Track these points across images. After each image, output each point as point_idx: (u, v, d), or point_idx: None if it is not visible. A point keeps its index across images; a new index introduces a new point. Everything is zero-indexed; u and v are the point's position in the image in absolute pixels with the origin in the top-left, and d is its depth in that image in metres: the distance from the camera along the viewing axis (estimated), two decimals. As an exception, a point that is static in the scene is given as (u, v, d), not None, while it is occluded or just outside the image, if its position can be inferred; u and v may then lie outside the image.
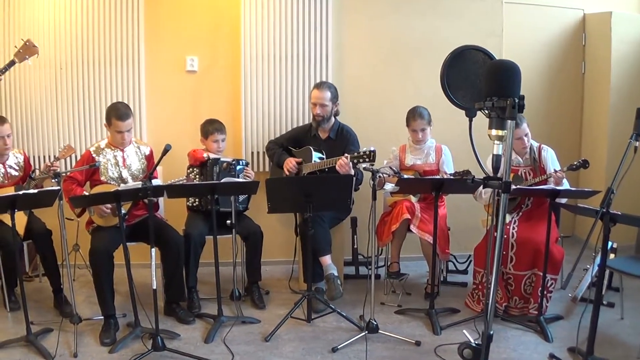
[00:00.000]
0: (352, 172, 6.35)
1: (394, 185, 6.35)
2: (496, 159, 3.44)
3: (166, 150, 5.77)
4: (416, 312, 6.54)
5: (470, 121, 3.60)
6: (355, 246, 7.69)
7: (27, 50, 6.75)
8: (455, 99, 3.70)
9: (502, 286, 6.35)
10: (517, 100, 3.22)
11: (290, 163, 7.03)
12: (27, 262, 7.72)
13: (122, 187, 6.40)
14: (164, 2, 7.83)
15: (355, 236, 7.70)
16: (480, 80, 3.55)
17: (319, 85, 7.07)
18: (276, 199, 6.00)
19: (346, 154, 6.38)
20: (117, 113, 6.53)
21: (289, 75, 7.78)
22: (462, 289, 7.30)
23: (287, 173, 7.04)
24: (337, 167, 6.40)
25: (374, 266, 6.06)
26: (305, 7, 7.65)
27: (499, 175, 3.47)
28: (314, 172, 6.83)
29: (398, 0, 7.89)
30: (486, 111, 3.35)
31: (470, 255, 7.37)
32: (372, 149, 6.16)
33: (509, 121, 3.30)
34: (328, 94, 7.00)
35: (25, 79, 7.81)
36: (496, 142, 3.39)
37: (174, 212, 7.35)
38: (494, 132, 3.35)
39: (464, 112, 3.68)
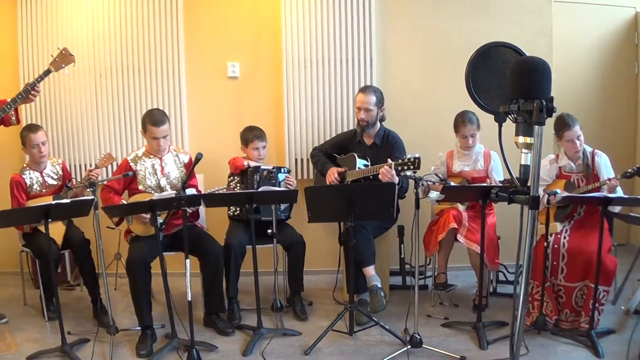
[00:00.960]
0: (396, 180, 6.13)
1: (439, 193, 6.13)
2: (524, 170, 3.15)
3: (197, 159, 5.69)
4: (463, 325, 6.30)
5: (500, 126, 3.31)
6: (403, 256, 7.46)
7: (64, 59, 6.71)
8: (482, 101, 3.44)
9: (552, 298, 6.08)
10: (544, 103, 2.93)
11: (332, 175, 6.86)
12: (68, 270, 7.75)
13: (156, 196, 6.30)
14: (203, 9, 7.80)
15: (402, 245, 7.48)
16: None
17: (364, 89, 6.89)
18: (316, 207, 5.82)
19: (389, 162, 6.16)
20: (152, 119, 6.48)
21: (332, 80, 7.65)
22: (512, 300, 6.98)
23: (331, 184, 6.84)
24: (379, 176, 6.19)
25: (417, 278, 5.87)
26: (347, 10, 7.53)
27: (525, 187, 3.19)
28: (359, 180, 6.62)
29: (442, 1, 7.71)
30: (513, 116, 3.08)
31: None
32: (416, 155, 5.94)
33: (537, 127, 3.01)
34: (373, 98, 6.80)
35: (66, 87, 7.85)
36: (524, 150, 3.10)
37: (216, 221, 7.28)
38: (521, 139, 3.07)
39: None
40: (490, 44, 3.55)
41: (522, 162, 3.15)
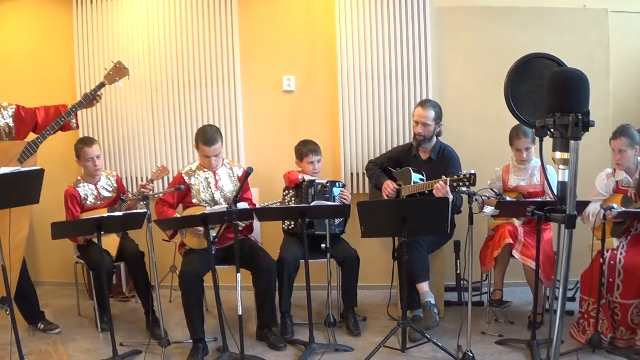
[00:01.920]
0: (450, 196, 6.15)
1: (493, 208, 6.12)
2: (561, 187, 3.13)
3: (248, 173, 5.82)
4: (517, 342, 6.23)
5: (541, 141, 3.30)
6: (458, 271, 7.44)
7: (117, 72, 6.84)
8: (523, 115, 3.43)
9: (607, 316, 6.00)
10: (580, 116, 2.91)
11: (388, 187, 6.87)
12: (124, 282, 7.86)
13: (208, 210, 6.39)
14: (259, 23, 7.90)
15: (458, 261, 7.44)
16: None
17: (423, 103, 6.87)
18: (370, 222, 5.81)
19: (443, 177, 6.17)
20: (204, 137, 6.61)
21: (387, 94, 7.64)
22: (567, 317, 6.84)
23: (386, 197, 6.85)
24: (434, 191, 6.20)
25: (470, 294, 5.85)
26: (402, 23, 7.52)
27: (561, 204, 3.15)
28: (414, 195, 6.62)
29: (498, 14, 7.67)
30: (550, 130, 3.07)
31: (577, 282, 7.03)
32: (472, 172, 5.93)
33: (573, 142, 2.99)
34: (432, 113, 6.78)
35: (121, 100, 8.05)
36: (561, 166, 3.09)
37: (270, 235, 7.33)
38: (557, 154, 3.05)
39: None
40: (530, 55, 3.55)
41: (559, 179, 3.14)
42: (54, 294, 8.24)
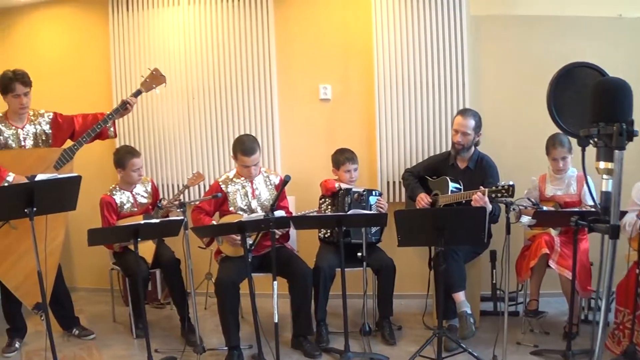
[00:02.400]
0: (489, 207, 6.17)
1: (530, 218, 6.12)
2: (605, 197, 3.12)
3: (285, 181, 5.85)
4: (552, 353, 6.21)
5: (583, 150, 3.29)
6: (494, 281, 7.39)
7: (154, 79, 6.92)
8: (565, 124, 3.43)
9: (645, 327, 6.01)
10: (624, 126, 2.91)
11: (422, 201, 6.89)
12: (159, 289, 7.92)
13: (245, 217, 6.44)
14: (295, 31, 7.95)
15: (494, 271, 7.39)
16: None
17: (463, 112, 6.89)
18: (406, 231, 5.76)
19: (481, 188, 6.19)
20: (243, 147, 6.65)
21: (424, 102, 7.64)
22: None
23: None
24: (472, 202, 6.21)
25: (506, 304, 5.87)
26: (439, 32, 7.53)
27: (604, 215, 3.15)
28: (451, 204, 6.63)
29: (534, 22, 7.63)
30: (593, 140, 3.07)
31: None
32: (510, 183, 5.94)
33: (617, 152, 2.99)
34: (472, 122, 6.78)
35: (158, 107, 8.13)
36: (604, 176, 3.07)
37: (306, 243, 7.37)
38: (601, 164, 3.04)
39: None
40: (572, 65, 3.55)
41: (603, 189, 3.13)
42: (89, 300, 8.33)
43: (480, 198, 6.11)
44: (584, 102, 3.31)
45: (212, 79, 7.97)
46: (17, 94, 6.40)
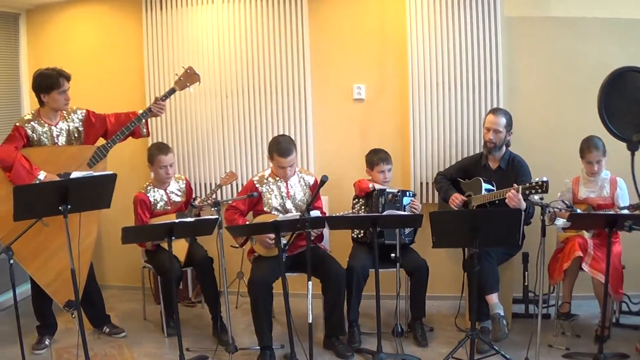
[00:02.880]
0: (523, 205, 6.17)
1: (565, 220, 6.12)
2: None
3: (323, 181, 5.87)
4: (584, 356, 6.21)
5: (632, 155, 3.28)
6: (526, 283, 7.37)
7: (189, 78, 6.94)
8: (615, 129, 3.42)
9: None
10: None
11: (456, 200, 6.91)
12: (190, 288, 7.94)
13: (281, 217, 6.46)
14: (329, 30, 7.94)
15: (526, 273, 7.37)
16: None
17: (495, 111, 6.92)
18: (441, 232, 5.76)
19: (515, 186, 6.21)
20: (279, 148, 6.67)
21: (458, 103, 7.62)
22: (634, 332, 6.87)
23: (454, 208, 6.88)
24: (506, 200, 6.23)
25: (540, 307, 5.88)
26: (473, 32, 7.51)
27: None
28: (484, 205, 6.64)
29: (568, 24, 7.58)
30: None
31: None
32: (544, 179, 5.96)
33: None
34: (503, 120, 6.80)
35: (192, 106, 8.15)
36: None
37: (339, 243, 7.38)
38: None
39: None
40: (622, 69, 3.55)
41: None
42: (119, 298, 8.37)
43: (514, 196, 6.14)
44: (634, 106, 3.30)
45: (245, 78, 7.98)
46: (63, 90, 6.46)
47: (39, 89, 6.49)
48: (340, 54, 7.93)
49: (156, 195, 7.17)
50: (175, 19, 8.07)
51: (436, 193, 7.56)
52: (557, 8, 7.55)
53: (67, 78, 6.49)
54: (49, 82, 6.42)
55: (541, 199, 5.95)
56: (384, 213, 6.59)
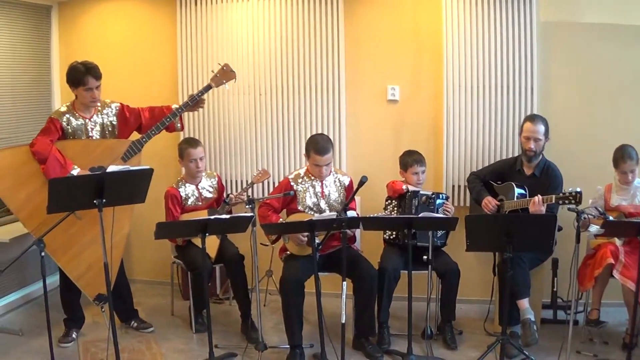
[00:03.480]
0: (543, 210, 6.30)
1: (598, 227, 6.15)
2: None
3: (362, 182, 5.90)
4: (611, 363, 6.28)
5: None
6: (555, 289, 7.39)
7: (225, 74, 6.99)
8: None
9: None
10: None
11: (489, 204, 6.92)
12: (218, 284, 7.98)
13: (317, 217, 6.50)
14: (364, 30, 7.94)
15: (555, 279, 7.38)
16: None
17: (532, 119, 6.88)
18: (476, 236, 5.82)
19: (539, 196, 6.34)
20: (317, 146, 6.68)
21: (492, 107, 7.62)
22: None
23: (488, 212, 6.89)
24: (529, 206, 6.35)
25: (573, 313, 5.93)
26: (509, 36, 7.51)
27: None
28: (516, 210, 6.67)
29: (603, 31, 7.54)
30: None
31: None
32: (577, 190, 6.00)
33: None
34: (542, 128, 6.80)
35: (226, 103, 8.20)
36: None
37: (370, 244, 7.38)
38: None
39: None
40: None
41: None
42: (146, 293, 8.42)
43: (537, 203, 6.25)
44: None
45: (279, 76, 8.01)
46: (89, 87, 6.48)
47: (68, 81, 6.57)
48: (375, 55, 7.93)
49: (187, 191, 7.24)
50: (209, 15, 8.11)
51: (468, 196, 7.60)
52: (592, 14, 7.54)
53: (96, 76, 6.50)
54: (75, 78, 6.48)
55: (576, 206, 5.98)
56: (420, 215, 6.59)
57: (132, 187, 5.74)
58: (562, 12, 7.60)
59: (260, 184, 7.90)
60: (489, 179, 7.22)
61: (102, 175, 5.51)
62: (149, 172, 5.72)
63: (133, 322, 7.24)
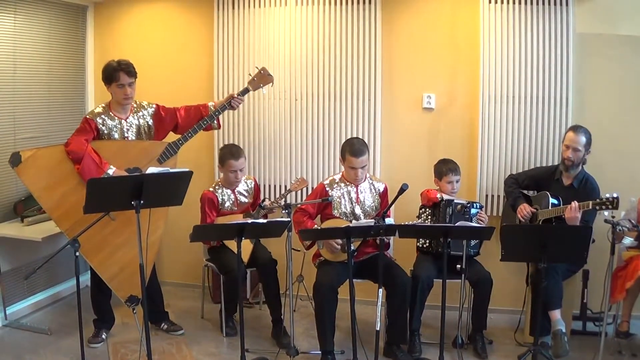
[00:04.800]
0: (578, 218, 6.31)
1: (632, 239, 6.19)
2: None
3: (403, 189, 5.93)
4: (640, 376, 6.31)
5: None
6: (585, 301, 7.40)
7: (262, 78, 7.06)
8: None
9: None
10: None
11: (524, 210, 6.93)
12: (248, 288, 8.03)
13: (354, 223, 6.55)
14: (401, 38, 7.98)
15: (585, 290, 7.39)
16: None
17: (575, 129, 6.90)
18: (511, 246, 5.88)
19: (575, 202, 6.34)
20: (352, 149, 6.73)
21: (527, 118, 7.65)
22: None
23: (521, 220, 6.94)
24: (565, 213, 6.37)
25: (605, 325, 5.96)
26: (545, 46, 7.54)
27: None
28: (550, 220, 6.72)
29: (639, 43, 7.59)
30: None
31: None
32: (615, 195, 6.05)
33: None
34: (583, 139, 6.81)
35: (262, 107, 8.25)
36: None
37: (403, 252, 7.43)
38: None
39: None
40: None
41: None
42: (175, 295, 8.49)
43: (574, 209, 6.29)
44: None
45: (315, 82, 8.06)
46: (121, 84, 6.56)
47: (103, 79, 6.67)
48: (412, 62, 7.97)
49: (224, 195, 7.31)
50: (247, 19, 8.17)
51: (502, 206, 7.70)
52: (628, 26, 7.58)
53: (128, 73, 6.59)
54: (108, 74, 6.59)
55: (612, 216, 6.02)
56: (457, 224, 6.63)
57: (170, 189, 5.81)
58: (598, 24, 7.63)
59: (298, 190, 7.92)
60: (528, 183, 7.28)
61: (141, 176, 5.60)
62: (189, 174, 5.78)
63: (163, 324, 7.31)
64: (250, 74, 7.14)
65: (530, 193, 7.31)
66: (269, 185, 8.35)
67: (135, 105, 6.85)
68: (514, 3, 7.57)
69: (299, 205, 7.00)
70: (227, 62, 8.28)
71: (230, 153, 7.24)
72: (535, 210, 6.91)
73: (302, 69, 8.09)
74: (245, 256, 7.06)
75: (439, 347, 6.11)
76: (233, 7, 8.18)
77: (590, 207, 6.22)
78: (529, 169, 7.56)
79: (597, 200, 6.19)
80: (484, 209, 7.34)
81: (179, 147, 6.84)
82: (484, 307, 6.86)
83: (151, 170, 5.95)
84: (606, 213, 6.09)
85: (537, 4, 7.53)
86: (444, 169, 7.19)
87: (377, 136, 8.00)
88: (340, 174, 7.04)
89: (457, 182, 7.19)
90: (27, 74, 7.81)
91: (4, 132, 7.53)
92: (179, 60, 8.58)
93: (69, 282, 8.21)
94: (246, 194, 7.44)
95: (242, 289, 7.86)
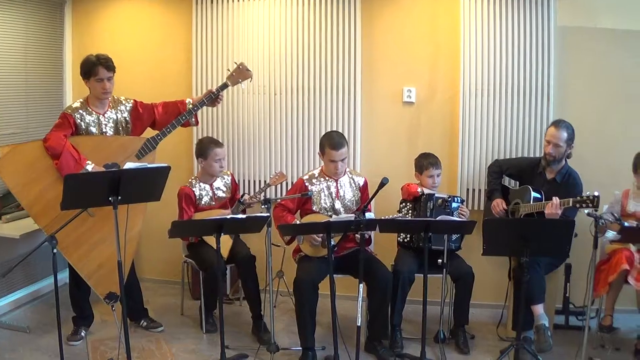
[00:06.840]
0: (558, 216, 6.27)
1: (615, 233, 6.15)
2: None
3: (383, 183, 5.88)
4: (622, 370, 6.27)
5: None
6: (568, 295, 7.39)
7: (241, 74, 6.98)
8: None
9: None
10: None
11: (497, 207, 6.97)
12: (228, 284, 7.99)
13: (334, 218, 6.49)
14: (381, 32, 7.94)
15: (568, 284, 7.38)
16: None
17: (557, 124, 6.84)
18: (493, 240, 5.88)
19: (556, 198, 6.30)
20: (331, 142, 6.68)
21: (508, 111, 7.62)
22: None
23: (496, 215, 6.93)
24: (546, 209, 6.32)
25: (587, 319, 5.94)
26: (526, 40, 7.51)
27: None
28: (531, 214, 6.66)
29: (621, 37, 7.54)
30: None
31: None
32: (595, 194, 5.98)
33: None
34: (564, 135, 6.75)
35: (240, 103, 8.20)
36: None
37: (383, 247, 7.37)
38: None
39: None
40: None
41: None
42: (155, 292, 8.42)
43: (555, 205, 6.24)
44: None
45: (294, 77, 8.01)
46: (100, 78, 6.49)
47: (81, 74, 6.60)
48: (392, 56, 7.93)
49: (202, 190, 7.23)
50: (225, 13, 8.10)
51: (483, 200, 7.67)
52: (610, 20, 7.56)
53: (107, 67, 6.52)
54: (86, 68, 6.52)
55: (595, 210, 5.98)
56: (438, 218, 6.60)
57: (148, 185, 5.73)
58: (579, 17, 7.61)
59: (277, 185, 7.84)
60: (510, 172, 7.27)
61: (118, 172, 5.52)
62: (166, 169, 5.71)
63: (143, 321, 7.24)
64: (229, 70, 7.04)
65: (512, 183, 7.33)
66: (248, 180, 8.29)
67: (112, 100, 6.77)
68: (494, -4, 7.55)
69: (279, 200, 6.93)
70: (205, 57, 8.22)
71: (213, 142, 7.23)
72: (516, 205, 6.90)
73: (281, 63, 8.04)
74: (225, 252, 7.01)
75: (421, 343, 6.14)
76: (212, 2, 8.11)
77: (571, 204, 6.17)
78: (514, 157, 7.56)
79: (578, 198, 6.13)
80: (465, 203, 7.32)
81: (158, 142, 6.76)
82: (465, 301, 6.82)
83: (128, 165, 5.86)
84: (586, 211, 6.04)
85: (518, -3, 7.52)
86: (425, 162, 7.15)
87: (357, 130, 7.97)
88: (320, 168, 6.99)
89: (437, 176, 7.16)
90: (4, 70, 7.71)
91: (-18, 129, 7.42)
92: (158, 56, 8.51)
93: (47, 279, 8.08)
94: (224, 189, 7.37)
95: (223, 286, 7.85)
